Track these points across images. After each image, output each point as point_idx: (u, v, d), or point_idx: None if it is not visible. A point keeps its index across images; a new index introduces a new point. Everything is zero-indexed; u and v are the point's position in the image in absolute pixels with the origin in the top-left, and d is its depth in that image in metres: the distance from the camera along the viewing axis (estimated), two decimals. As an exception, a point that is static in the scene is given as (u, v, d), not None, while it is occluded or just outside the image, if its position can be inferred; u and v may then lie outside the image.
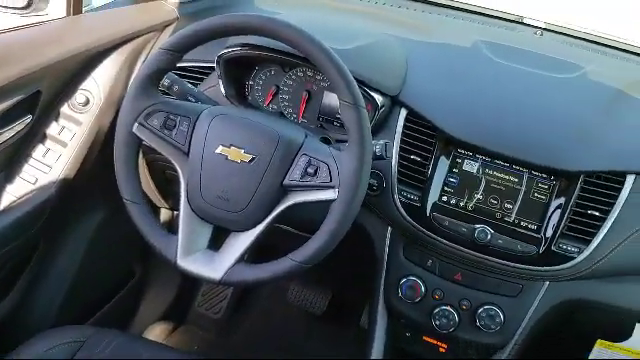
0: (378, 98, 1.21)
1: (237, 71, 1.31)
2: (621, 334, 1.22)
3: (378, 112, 1.21)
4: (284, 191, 1.03)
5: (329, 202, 0.99)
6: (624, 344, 1.22)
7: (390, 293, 1.27)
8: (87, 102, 1.34)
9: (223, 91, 1.28)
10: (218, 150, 1.02)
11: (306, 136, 1.05)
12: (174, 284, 1.94)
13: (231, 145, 1.02)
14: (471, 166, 1.18)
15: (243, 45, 1.24)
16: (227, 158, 1.02)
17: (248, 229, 1.04)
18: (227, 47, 1.25)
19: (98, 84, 1.35)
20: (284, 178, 1.01)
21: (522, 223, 1.16)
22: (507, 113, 1.21)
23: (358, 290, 1.98)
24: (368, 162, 0.99)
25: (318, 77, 1.28)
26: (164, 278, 1.92)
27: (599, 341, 1.25)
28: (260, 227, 1.03)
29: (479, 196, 1.17)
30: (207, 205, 1.04)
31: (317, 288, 2.05)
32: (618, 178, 1.13)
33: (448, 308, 1.21)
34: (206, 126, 1.04)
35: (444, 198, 1.19)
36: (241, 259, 1.03)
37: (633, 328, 1.20)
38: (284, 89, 1.31)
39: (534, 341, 1.26)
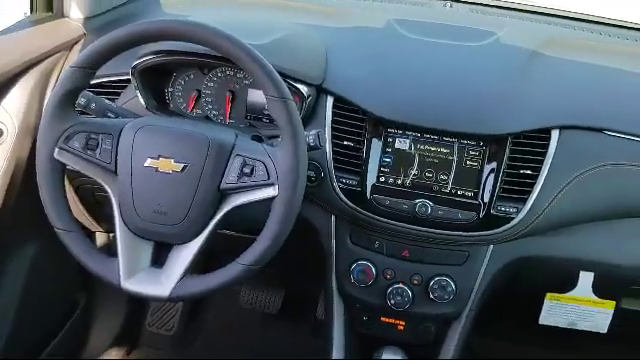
0: (303, 89, 1.20)
1: (155, 80, 1.27)
2: (568, 285, 1.26)
3: (305, 103, 1.20)
4: (222, 195, 1.00)
5: (270, 200, 0.98)
6: (571, 294, 1.27)
7: (342, 280, 1.27)
8: (1, 134, 1.27)
9: (143, 102, 1.24)
10: (147, 163, 0.99)
11: (237, 136, 1.03)
12: (121, 307, 1.88)
13: (159, 156, 0.99)
14: (403, 144, 1.19)
15: (157, 52, 1.21)
16: (157, 170, 0.99)
17: (190, 240, 1.01)
18: (140, 57, 1.21)
19: (10, 113, 1.28)
20: (220, 182, 0.99)
21: (459, 192, 1.18)
22: (429, 87, 1.23)
23: (311, 283, 1.98)
24: (304, 154, 0.98)
25: (239, 75, 1.26)
26: (110, 303, 1.86)
27: (548, 295, 1.29)
28: (203, 236, 1.01)
29: (415, 172, 1.19)
30: (144, 222, 1.01)
31: (269, 287, 2.03)
32: (544, 135, 1.16)
33: (401, 286, 1.22)
34: (130, 140, 1.00)
35: (382, 179, 1.19)
36: (187, 272, 1.00)
37: (578, 277, 1.25)
38: (206, 92, 1.28)
39: (488, 305, 1.29)
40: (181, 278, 0.99)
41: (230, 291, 2.03)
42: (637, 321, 1.37)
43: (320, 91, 1.23)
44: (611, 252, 1.22)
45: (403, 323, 1.30)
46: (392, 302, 1.22)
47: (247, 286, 2.03)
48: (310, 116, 1.23)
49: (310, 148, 1.05)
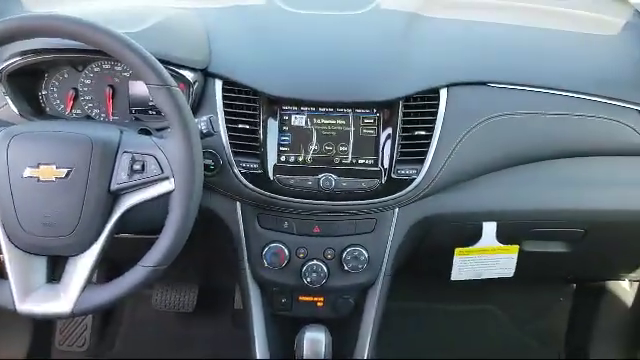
0: (188, 75, 1.15)
1: (25, 83, 1.17)
2: (473, 237, 1.30)
3: (192, 89, 1.15)
4: (115, 197, 0.94)
5: (168, 195, 0.93)
6: (477, 245, 1.31)
7: (256, 266, 1.25)
8: None
9: (15, 109, 1.14)
10: (26, 174, 0.91)
11: (122, 132, 0.97)
12: (25, 331, 1.76)
13: (39, 164, 0.91)
14: (299, 120, 1.18)
15: (23, 53, 1.11)
16: (39, 180, 0.91)
17: (86, 250, 0.94)
18: (6, 59, 1.11)
19: None
20: (110, 183, 0.93)
21: (360, 161, 1.18)
22: (317, 60, 1.22)
23: (224, 273, 1.94)
24: (197, 143, 0.94)
25: (118, 68, 1.19)
26: (11, 328, 1.73)
27: (457, 250, 1.32)
28: (99, 244, 0.94)
29: (314, 147, 1.17)
30: (32, 237, 0.93)
31: (181, 285, 1.97)
32: (433, 95, 1.18)
33: (315, 262, 1.21)
34: (4, 151, 0.92)
35: (282, 158, 1.17)
36: (88, 283, 0.94)
37: (482, 228, 1.29)
38: (84, 90, 1.20)
39: (401, 268, 1.31)
40: (82, 291, 0.93)
41: (140, 295, 1.95)
42: (538, 262, 1.44)
43: (207, 75, 1.19)
44: (510, 200, 1.27)
45: (322, 299, 1.29)
46: (308, 280, 1.21)
47: (158, 287, 1.96)
48: (200, 102, 1.18)
49: (203, 135, 1.01)
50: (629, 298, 1.67)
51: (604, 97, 1.23)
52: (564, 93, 1.22)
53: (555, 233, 1.34)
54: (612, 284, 1.68)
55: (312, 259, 1.22)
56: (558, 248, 1.41)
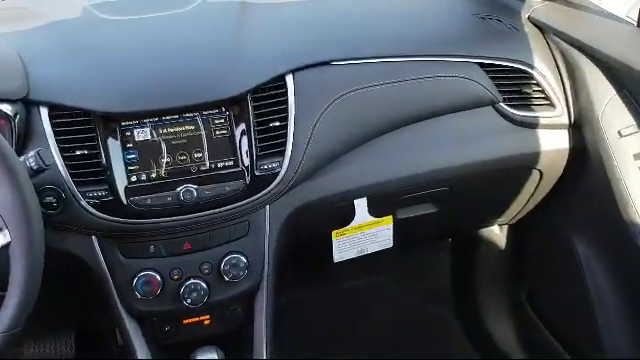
0: (6, 108, 1.02)
1: None
2: (348, 216, 1.29)
3: (14, 123, 1.02)
4: None
5: (5, 248, 0.81)
6: (353, 224, 1.30)
7: (129, 300, 1.14)
8: None
9: None
10: None
11: None
12: None
13: None
14: (143, 134, 1.08)
15: None
16: None
17: None
18: None
19: None
20: None
21: (219, 164, 1.11)
22: (150, 67, 1.14)
23: (99, 311, 1.79)
24: (26, 183, 0.83)
25: None
26: None
27: (334, 232, 1.30)
28: None
29: (166, 159, 1.09)
30: None
31: (54, 334, 1.79)
32: (280, 83, 1.14)
33: (193, 281, 1.14)
34: None
35: (133, 178, 1.08)
36: None
37: (354, 206, 1.28)
38: None
39: (284, 263, 1.26)
40: None
41: (9, 353, 1.75)
42: (413, 226, 1.47)
43: (29, 104, 1.06)
44: (376, 172, 1.27)
45: (208, 317, 1.22)
46: (189, 301, 1.13)
47: (27, 343, 1.77)
48: (27, 136, 1.05)
49: (34, 172, 0.89)
50: (502, 242, 1.76)
51: (443, 56, 1.26)
52: (405, 59, 1.24)
53: (423, 196, 1.36)
54: (484, 232, 1.76)
55: (189, 278, 1.14)
56: (428, 209, 1.44)
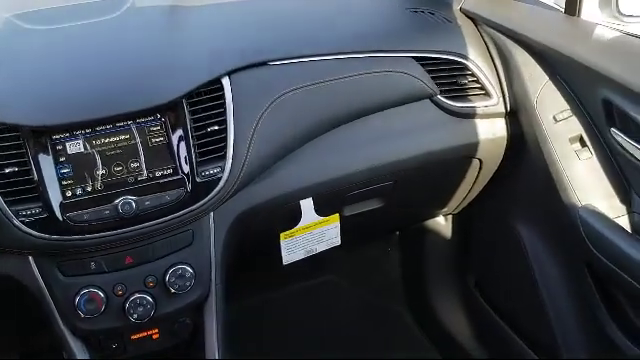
0: None
1: None
2: (295, 218, 1.27)
3: None
4: None
5: None
6: (300, 225, 1.28)
7: (71, 320, 1.10)
8: None
9: None
10: None
11: None
12: None
13: None
14: (76, 146, 1.04)
15: None
16: None
17: None
18: None
19: None
20: None
21: (157, 174, 1.07)
22: (75, 75, 1.09)
23: (44, 331, 1.72)
24: None
25: None
26: None
27: (281, 235, 1.29)
28: None
29: (101, 171, 1.05)
30: None
31: None
32: (216, 86, 1.12)
33: (138, 296, 1.10)
34: None
35: (68, 193, 1.03)
36: None
37: (300, 207, 1.26)
38: None
39: (232, 270, 1.24)
40: None
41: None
42: (360, 222, 1.47)
43: None
44: (321, 171, 1.26)
45: (156, 330, 1.18)
46: (135, 316, 1.09)
47: None
48: None
49: None
50: (447, 232, 1.78)
51: (379, 51, 1.26)
52: (342, 56, 1.23)
53: (368, 192, 1.36)
54: (430, 223, 1.78)
55: (133, 293, 1.10)
56: (374, 205, 1.45)
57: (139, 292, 1.10)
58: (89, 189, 1.04)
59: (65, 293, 1.08)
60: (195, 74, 1.10)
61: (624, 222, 1.22)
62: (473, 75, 1.32)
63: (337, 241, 1.38)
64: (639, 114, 1.06)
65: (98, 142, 1.04)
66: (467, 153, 1.38)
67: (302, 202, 1.26)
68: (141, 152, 1.06)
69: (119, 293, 1.09)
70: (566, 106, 1.26)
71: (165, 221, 1.08)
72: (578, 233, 1.22)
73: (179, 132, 1.08)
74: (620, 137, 1.14)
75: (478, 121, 1.35)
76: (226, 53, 1.17)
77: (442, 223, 1.78)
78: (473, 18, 1.40)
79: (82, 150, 1.04)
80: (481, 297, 1.72)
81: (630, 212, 1.22)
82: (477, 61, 1.32)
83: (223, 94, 1.11)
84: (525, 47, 1.29)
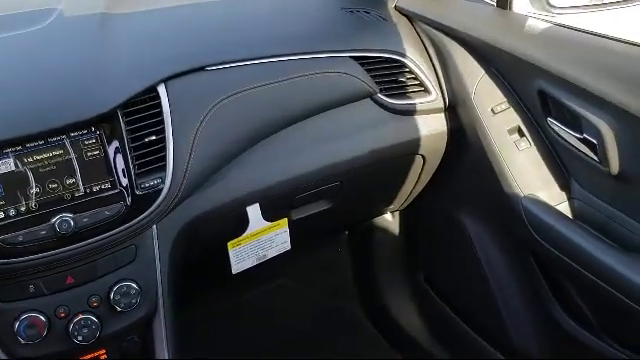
0: None
1: None
2: (242, 225, 1.25)
3: None
4: None
5: None
6: (248, 232, 1.26)
7: (12, 347, 1.04)
8: None
9: None
10: None
11: None
12: None
13: None
14: (6, 165, 0.98)
15: None
16: None
17: None
18: None
19: None
20: None
21: (95, 189, 1.03)
22: (4, 91, 1.04)
23: None
24: None
25: None
26: None
27: (229, 244, 1.26)
28: None
29: (35, 190, 1.00)
30: None
31: None
32: (152, 95, 1.08)
33: (82, 317, 1.05)
34: None
35: (0, 215, 0.98)
36: None
37: (247, 213, 1.24)
38: None
39: (180, 283, 1.21)
40: None
41: None
42: (310, 225, 1.46)
43: None
44: (266, 176, 1.24)
45: (104, 351, 1.13)
46: (80, 338, 1.05)
47: None
48: None
49: None
50: (395, 228, 1.79)
51: (316, 52, 1.25)
52: (280, 59, 1.22)
53: (315, 194, 1.36)
54: (377, 220, 1.78)
55: (77, 314, 1.05)
56: (322, 206, 1.44)
57: (83, 313, 1.06)
58: (23, 209, 0.99)
59: (3, 319, 1.02)
60: (129, 83, 1.07)
61: (565, 208, 1.25)
62: (411, 72, 1.33)
63: (287, 246, 1.37)
64: (573, 102, 1.09)
65: (30, 159, 1.00)
66: (410, 150, 1.39)
67: (248, 209, 1.24)
68: (76, 167, 1.02)
69: (61, 315, 1.05)
70: (503, 98, 1.29)
71: (106, 237, 1.04)
72: (522, 222, 1.25)
73: (115, 144, 1.04)
74: (557, 126, 1.17)
75: (419, 117, 1.36)
76: (161, 60, 1.14)
77: (389, 220, 1.79)
78: (408, 16, 1.41)
79: (13, 169, 0.99)
80: (432, 291, 1.74)
81: (570, 198, 1.25)
82: (414, 58, 1.33)
83: (160, 102, 1.08)
84: (460, 42, 1.31)
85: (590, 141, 1.09)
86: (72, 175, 1.02)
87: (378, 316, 1.91)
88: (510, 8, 1.24)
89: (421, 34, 1.37)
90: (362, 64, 1.28)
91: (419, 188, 1.55)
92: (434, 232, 1.67)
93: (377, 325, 1.92)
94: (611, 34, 1.05)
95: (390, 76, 1.32)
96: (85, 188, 1.03)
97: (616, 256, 1.07)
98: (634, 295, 1.01)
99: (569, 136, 1.14)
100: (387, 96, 1.32)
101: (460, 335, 1.63)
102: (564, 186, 1.26)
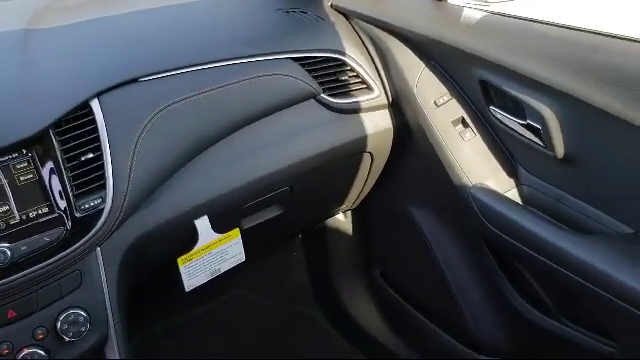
0: None
1: None
2: (192, 239, 1.21)
3: None
4: None
5: None
6: (198, 246, 1.22)
7: None
8: None
9: None
10: None
11: None
12: None
13: None
14: None
15: None
16: None
17: None
18: None
19: None
20: None
21: (31, 215, 0.98)
22: None
23: None
24: None
25: None
26: None
27: (179, 260, 1.22)
28: None
29: None
30: None
31: None
32: (84, 111, 1.03)
33: (28, 351, 0.99)
34: None
35: None
36: None
37: (196, 229, 1.20)
38: None
39: (131, 305, 1.16)
40: None
41: None
42: (262, 233, 1.43)
43: None
44: (212, 186, 1.20)
45: None
46: None
47: None
48: None
49: None
50: (348, 227, 1.78)
51: (255, 56, 1.23)
52: (216, 64, 1.18)
53: (266, 200, 1.33)
54: (330, 221, 1.77)
55: (22, 349, 0.99)
56: (273, 212, 1.41)
57: (29, 347, 1.00)
58: None
59: None
60: (60, 101, 1.01)
61: (514, 195, 1.26)
62: (352, 70, 1.32)
63: (242, 257, 1.33)
64: (515, 90, 1.10)
65: None
66: (357, 148, 1.37)
67: (197, 222, 1.20)
68: (9, 193, 0.96)
69: (5, 352, 0.98)
70: (445, 90, 1.29)
71: (47, 265, 0.98)
72: (472, 211, 1.25)
73: (50, 165, 0.99)
74: (500, 114, 1.18)
75: (364, 115, 1.34)
76: (91, 74, 1.09)
77: (342, 220, 1.78)
78: (345, 14, 1.39)
79: None
80: (390, 288, 1.73)
81: (518, 184, 1.26)
82: (354, 56, 1.32)
83: (94, 118, 1.03)
84: (398, 37, 1.30)
85: (534, 126, 1.10)
86: (5, 202, 0.96)
87: (338, 317, 1.90)
88: (445, 0, 1.24)
89: (359, 31, 1.36)
90: (302, 65, 1.26)
91: (369, 186, 1.54)
92: (387, 228, 1.67)
93: (337, 327, 1.90)
94: (546, 19, 1.06)
95: (332, 75, 1.31)
96: (20, 215, 0.97)
97: (567, 238, 1.08)
98: (588, 275, 1.02)
99: (513, 123, 1.15)
100: (330, 96, 1.30)
101: (421, 329, 1.63)
102: (511, 173, 1.27)
